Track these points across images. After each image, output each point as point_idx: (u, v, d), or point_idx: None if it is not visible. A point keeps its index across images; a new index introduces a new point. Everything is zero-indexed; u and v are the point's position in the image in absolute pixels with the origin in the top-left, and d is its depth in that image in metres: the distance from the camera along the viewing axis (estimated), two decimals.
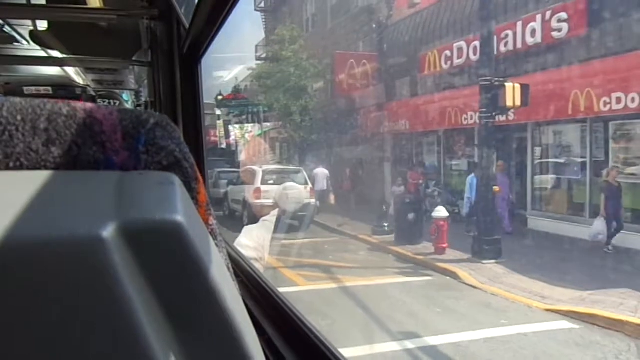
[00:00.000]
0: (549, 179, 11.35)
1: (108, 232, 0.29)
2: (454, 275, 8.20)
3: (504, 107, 8.45)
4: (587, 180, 10.25)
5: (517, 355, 5.17)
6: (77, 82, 4.96)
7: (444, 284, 7.94)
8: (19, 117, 0.34)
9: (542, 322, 6.10)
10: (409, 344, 5.41)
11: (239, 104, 26.30)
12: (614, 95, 8.86)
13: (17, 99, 0.35)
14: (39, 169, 0.34)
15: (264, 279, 1.40)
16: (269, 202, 10.72)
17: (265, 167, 14.56)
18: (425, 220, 10.64)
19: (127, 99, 6.93)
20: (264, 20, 27.15)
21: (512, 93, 8.40)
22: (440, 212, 9.59)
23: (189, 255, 0.32)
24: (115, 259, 0.29)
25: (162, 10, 2.14)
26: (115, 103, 5.89)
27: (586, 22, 9.77)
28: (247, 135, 25.84)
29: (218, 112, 29.01)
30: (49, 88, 4.49)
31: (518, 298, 6.93)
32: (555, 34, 10.37)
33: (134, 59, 3.39)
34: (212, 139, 28.01)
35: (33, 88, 4.34)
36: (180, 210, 0.32)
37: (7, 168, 0.34)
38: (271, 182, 13.15)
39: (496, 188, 9.30)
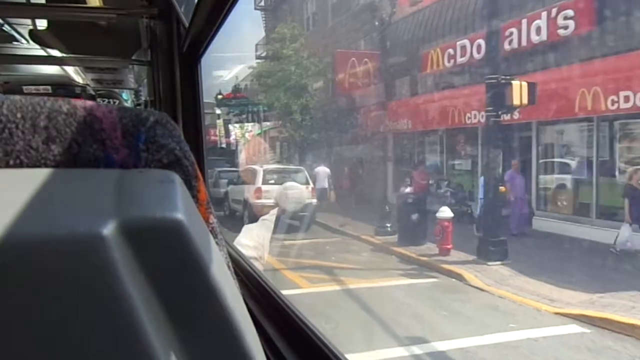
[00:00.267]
0: (553, 179, 11.20)
1: (108, 229, 0.29)
2: (459, 277, 8.03)
3: (511, 105, 8.29)
4: (593, 180, 10.09)
5: None
6: (76, 81, 4.91)
7: (450, 286, 7.77)
8: (18, 115, 0.34)
9: (552, 326, 5.94)
10: (416, 349, 5.25)
11: (239, 103, 26.15)
12: (622, 94, 8.70)
13: (17, 97, 0.35)
14: (39, 166, 0.34)
15: (263, 278, 1.38)
16: (270, 201, 10.57)
17: (266, 166, 14.41)
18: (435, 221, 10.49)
19: (127, 98, 6.87)
20: (264, 18, 26.99)
21: (519, 91, 8.24)
22: (445, 212, 9.42)
23: (189, 253, 0.32)
24: (116, 256, 0.29)
25: (161, 9, 2.12)
26: (114, 102, 5.82)
27: (593, 19, 9.60)
28: (247, 135, 25.71)
29: (218, 111, 28.88)
30: (49, 87, 4.44)
31: (526, 301, 6.77)
32: (561, 31, 10.20)
33: (133, 58, 3.38)
34: (212, 138, 27.84)
35: (32, 87, 4.31)
36: (181, 208, 0.32)
37: (7, 166, 0.34)
38: (272, 181, 13.01)
39: (502, 188, 9.13)
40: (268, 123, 24.70)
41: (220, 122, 29.17)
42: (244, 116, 26.88)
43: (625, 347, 5.34)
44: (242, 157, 21.82)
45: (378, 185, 13.99)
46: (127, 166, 0.36)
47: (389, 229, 11.30)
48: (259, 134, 24.99)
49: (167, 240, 0.31)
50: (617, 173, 9.79)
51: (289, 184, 12.45)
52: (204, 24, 1.54)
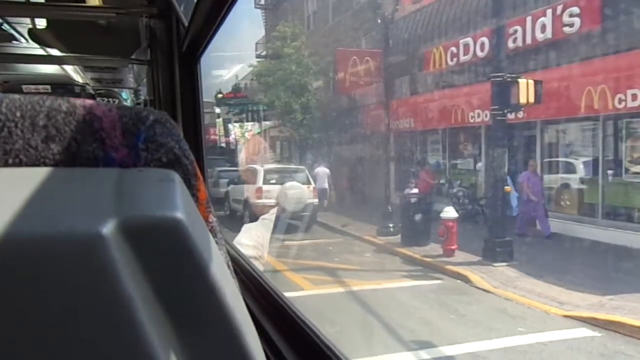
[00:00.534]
0: (558, 179, 11.06)
1: (108, 229, 0.29)
2: (464, 279, 7.90)
3: (517, 104, 8.14)
4: (599, 179, 9.96)
5: None
6: (76, 81, 4.86)
7: (455, 287, 7.64)
8: (18, 114, 0.34)
9: (562, 329, 5.81)
10: (424, 355, 5.12)
11: (239, 102, 26.04)
12: (630, 92, 8.56)
13: (16, 96, 0.35)
14: (38, 165, 0.34)
15: (263, 277, 1.38)
16: (271, 201, 10.44)
17: (267, 166, 14.30)
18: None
19: (127, 98, 6.82)
20: (264, 17, 26.83)
21: (525, 89, 8.09)
22: (449, 212, 9.28)
23: (189, 252, 0.31)
24: (115, 255, 0.29)
25: (161, 9, 2.11)
26: (114, 101, 5.78)
27: (600, 16, 9.47)
28: (246, 134, 25.59)
29: (217, 110, 28.76)
30: (48, 86, 4.42)
31: (534, 303, 6.63)
32: (566, 29, 10.06)
33: (133, 57, 3.34)
34: (212, 137, 27.73)
35: (32, 86, 4.29)
36: (180, 207, 0.32)
37: (6, 165, 0.34)
38: (273, 181, 12.91)
39: (508, 188, 8.99)
40: (268, 122, 24.59)
41: (219, 121, 29.07)
42: (243, 115, 26.77)
43: (638, 351, 5.21)
44: (242, 156, 21.70)
45: (380, 185, 13.85)
46: (127, 165, 0.36)
47: (391, 229, 11.17)
48: (258, 133, 24.86)
49: (167, 239, 0.31)
50: (623, 173, 9.66)
51: (289, 183, 12.52)
52: (204, 23, 1.52)
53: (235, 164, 20.23)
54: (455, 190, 12.43)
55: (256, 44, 27.65)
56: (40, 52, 3.44)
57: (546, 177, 11.22)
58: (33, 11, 2.58)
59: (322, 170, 15.78)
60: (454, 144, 14.45)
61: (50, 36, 2.92)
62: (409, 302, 6.91)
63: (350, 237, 11.69)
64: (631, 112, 8.79)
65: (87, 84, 4.95)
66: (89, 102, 0.37)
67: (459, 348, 5.25)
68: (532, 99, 8.19)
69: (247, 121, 26.48)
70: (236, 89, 26.97)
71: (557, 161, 11.10)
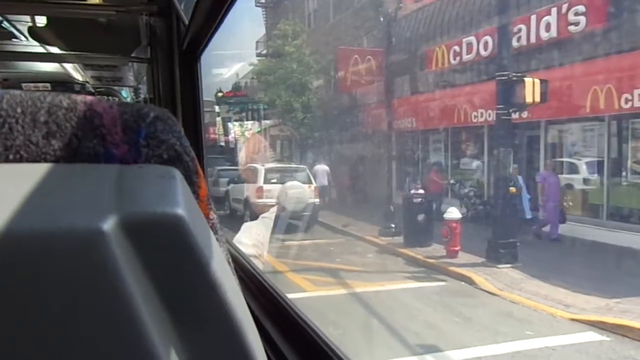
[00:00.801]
0: (562, 179, 10.92)
1: (108, 225, 0.29)
2: (468, 280, 7.78)
3: (523, 103, 8.02)
4: (605, 180, 9.85)
5: None
6: (75, 79, 4.87)
7: (459, 289, 7.52)
8: (18, 110, 0.34)
9: (569, 333, 5.69)
10: None
11: (239, 101, 25.92)
12: (636, 92, 8.45)
13: (17, 92, 0.35)
14: (39, 161, 0.34)
15: (263, 276, 1.37)
16: (272, 201, 10.30)
17: (267, 165, 14.19)
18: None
19: (126, 96, 6.78)
20: (264, 16, 26.69)
21: (531, 88, 7.97)
22: (453, 213, 9.17)
23: (189, 249, 0.31)
24: (116, 252, 0.29)
25: (161, 7, 2.10)
26: (114, 100, 5.59)
27: (606, 15, 9.35)
28: (246, 133, 25.48)
29: (217, 109, 28.66)
30: (48, 84, 4.43)
31: (540, 306, 6.52)
32: (572, 27, 9.95)
33: (133, 55, 3.34)
34: (211, 136, 27.63)
35: (31, 84, 4.29)
36: (181, 204, 0.32)
37: (7, 160, 0.34)
38: (274, 180, 12.80)
39: (512, 189, 8.87)
40: (268, 121, 24.47)
41: (219, 120, 28.96)
42: (243, 114, 26.66)
43: None
44: (241, 155, 21.56)
45: (381, 185, 13.74)
46: (128, 162, 0.36)
47: (393, 229, 11.05)
48: (258, 132, 24.75)
49: (168, 236, 0.31)
50: (629, 173, 9.55)
51: (290, 183, 12.39)
52: (204, 21, 1.50)
53: (235, 163, 20.10)
54: (466, 191, 12.25)
55: (256, 42, 27.54)
56: (40, 50, 3.44)
57: None
58: (33, 9, 2.57)
59: (322, 167, 15.86)
60: (456, 144, 14.35)
61: (50, 34, 2.92)
62: (413, 304, 6.80)
63: (352, 237, 11.58)
64: (638, 112, 8.68)
65: (86, 82, 4.96)
66: (89, 98, 0.37)
67: (466, 352, 5.13)
68: (538, 98, 8.08)
69: (247, 120, 26.38)
70: (236, 87, 26.87)
71: (562, 161, 10.98)
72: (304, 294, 7.14)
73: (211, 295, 0.32)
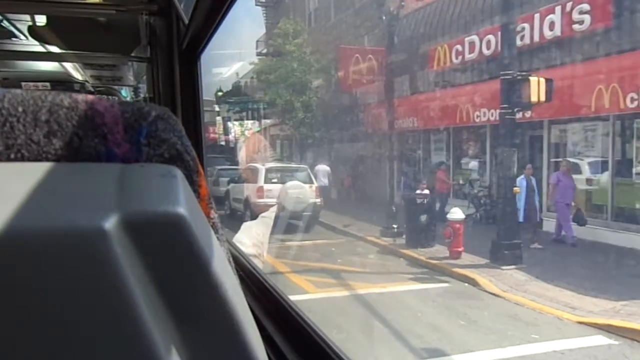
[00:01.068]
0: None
1: (110, 223, 0.29)
2: (472, 282, 7.67)
3: (528, 102, 7.91)
4: (609, 180, 9.74)
5: None
6: (75, 78, 4.88)
7: (463, 291, 7.42)
8: (20, 109, 0.34)
9: (577, 337, 5.59)
10: None
11: (239, 100, 25.83)
12: None
13: (19, 91, 0.35)
14: (40, 160, 0.34)
15: (263, 275, 1.37)
16: (273, 201, 10.18)
17: (268, 165, 14.09)
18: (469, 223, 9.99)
19: (126, 95, 6.77)
20: (264, 15, 26.57)
21: (536, 87, 7.86)
22: (456, 214, 9.07)
23: (190, 248, 0.31)
24: (117, 250, 0.29)
25: (161, 6, 2.10)
26: (114, 99, 5.55)
27: (611, 13, 9.24)
28: (247, 132, 25.40)
29: (217, 108, 28.57)
30: (47, 84, 4.42)
31: (546, 309, 6.41)
32: (576, 26, 9.84)
33: (132, 54, 3.32)
34: (211, 135, 27.50)
35: (31, 84, 4.29)
36: (182, 203, 0.32)
37: (8, 159, 0.34)
38: (275, 180, 12.70)
39: (516, 189, 8.75)
40: (268, 121, 24.37)
41: (219, 119, 28.86)
42: (243, 114, 26.57)
43: None
44: (242, 155, 21.45)
45: (382, 185, 13.64)
46: (129, 160, 0.36)
47: (395, 230, 10.94)
48: (258, 132, 24.66)
49: (169, 235, 0.31)
50: (633, 174, 9.45)
51: (291, 183, 12.27)
52: (204, 21, 1.50)
53: (235, 163, 19.98)
54: (475, 191, 12.09)
55: (257, 41, 27.44)
56: (40, 49, 3.44)
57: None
58: (33, 8, 2.57)
59: (323, 167, 15.86)
60: (458, 143, 14.24)
61: (50, 33, 2.91)
62: (416, 306, 6.69)
63: (353, 237, 11.47)
64: None
65: (86, 81, 4.94)
66: (91, 97, 0.37)
67: (473, 357, 5.03)
68: (543, 98, 7.97)
69: (247, 119, 26.29)
70: (237, 87, 26.77)
71: (566, 161, 10.86)
72: (305, 295, 7.04)
73: (212, 294, 0.32)
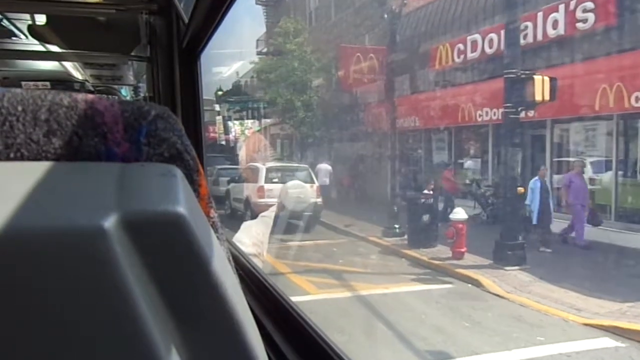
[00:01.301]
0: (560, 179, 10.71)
1: (109, 223, 0.29)
2: (476, 283, 7.59)
3: (533, 101, 7.82)
4: (613, 180, 9.66)
5: None
6: (75, 78, 4.87)
7: (467, 292, 7.33)
8: (19, 108, 0.34)
9: (583, 339, 5.51)
10: None
11: (239, 99, 25.75)
12: None
13: (18, 90, 0.35)
14: (40, 159, 0.34)
15: (263, 274, 1.36)
16: (273, 200, 10.15)
17: (269, 164, 14.01)
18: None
19: (126, 94, 6.79)
20: (265, 13, 26.50)
21: (541, 86, 7.77)
22: (459, 214, 8.98)
23: (190, 247, 0.31)
24: (117, 249, 0.29)
25: (161, 5, 2.10)
26: (113, 98, 5.55)
27: (615, 12, 9.16)
28: (247, 132, 25.33)
29: (217, 107, 28.51)
30: (47, 83, 4.42)
31: (551, 310, 6.33)
32: (580, 25, 9.75)
33: (132, 54, 3.32)
34: (211, 135, 27.42)
35: (31, 83, 4.29)
36: (182, 202, 0.32)
37: (8, 159, 0.34)
38: (276, 180, 12.61)
39: (521, 189, 8.66)
40: (268, 120, 24.29)
41: (219, 118, 28.80)
42: (244, 113, 26.49)
43: None
44: (242, 154, 21.36)
45: (383, 184, 13.56)
46: (129, 160, 0.36)
47: (397, 230, 10.86)
48: (258, 131, 24.59)
49: (169, 234, 0.31)
50: (638, 173, 9.37)
51: (292, 182, 12.10)
52: (204, 20, 1.50)
53: (235, 162, 19.89)
54: (482, 191, 11.98)
55: (257, 40, 27.37)
56: (40, 48, 3.43)
57: (555, 177, 10.92)
58: (33, 7, 2.58)
59: (324, 167, 15.85)
60: (460, 143, 14.16)
61: (50, 32, 2.90)
62: (420, 307, 6.61)
63: (355, 237, 11.39)
64: None
65: (86, 80, 4.92)
66: (90, 96, 0.37)
67: None
68: (547, 97, 7.88)
69: (248, 119, 26.22)
70: (236, 86, 26.69)
71: (568, 161, 10.78)
72: (307, 297, 6.96)
73: (212, 293, 0.32)
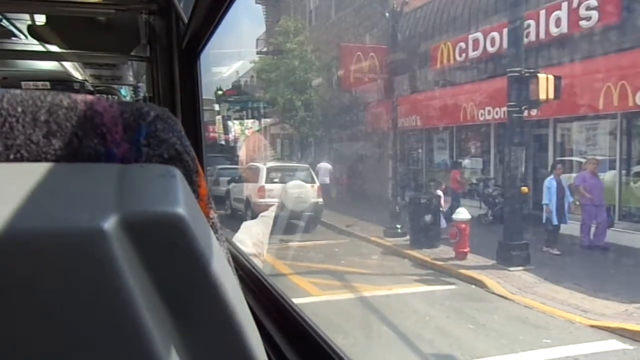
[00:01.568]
0: (572, 178, 10.62)
1: (109, 224, 0.29)
2: (480, 284, 7.51)
3: (537, 100, 7.73)
4: (617, 180, 9.58)
5: None
6: (75, 77, 4.85)
7: (470, 293, 7.26)
8: (19, 109, 0.34)
9: (590, 341, 5.43)
10: None
11: (239, 99, 25.65)
12: None
13: (18, 91, 0.35)
14: (40, 161, 0.34)
15: (262, 274, 1.36)
16: (274, 200, 10.02)
17: (269, 164, 13.92)
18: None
19: (126, 94, 6.79)
20: (265, 13, 26.41)
21: (545, 85, 7.69)
22: (462, 214, 8.91)
23: (190, 248, 0.31)
24: (116, 250, 0.29)
25: (160, 5, 2.10)
26: (113, 98, 5.52)
27: (619, 9, 9.07)
28: (247, 131, 25.25)
29: (217, 107, 28.43)
30: (47, 83, 4.43)
31: (557, 312, 6.25)
32: (583, 23, 9.66)
33: (132, 54, 3.32)
34: (211, 134, 27.36)
35: (31, 83, 4.29)
36: (182, 203, 0.32)
37: (8, 160, 0.34)
38: (276, 180, 12.54)
39: (525, 189, 8.56)
40: (269, 120, 24.21)
41: (219, 118, 28.72)
42: (243, 113, 26.41)
43: None
44: (242, 154, 21.28)
45: (384, 184, 13.46)
46: (128, 161, 0.36)
47: (399, 230, 10.78)
48: (258, 131, 24.52)
49: (168, 235, 0.31)
50: None
51: (293, 182, 12.10)
52: (204, 20, 1.50)
53: (235, 162, 19.81)
54: (490, 190, 11.87)
55: (257, 40, 27.31)
56: (40, 48, 3.41)
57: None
58: (32, 7, 2.58)
59: (324, 165, 15.88)
60: (461, 142, 14.08)
61: (50, 32, 2.89)
62: (424, 309, 6.53)
63: (356, 238, 11.31)
64: None
65: (86, 80, 4.91)
66: (90, 97, 0.36)
67: None
68: (552, 95, 7.79)
69: (248, 118, 26.13)
70: (237, 86, 26.60)
71: (571, 160, 10.71)
72: (310, 298, 6.87)
73: (211, 294, 0.32)
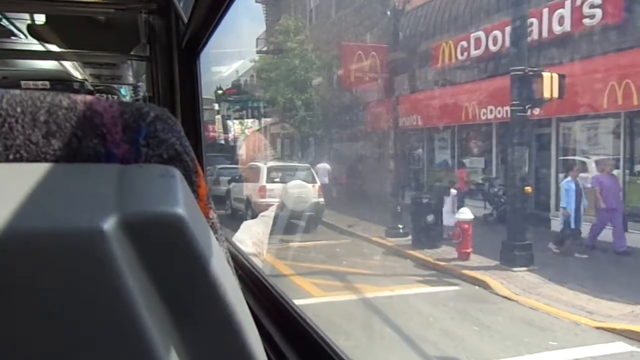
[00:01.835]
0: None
1: (109, 224, 0.29)
2: (483, 285, 7.43)
3: (541, 98, 7.65)
4: (620, 179, 9.50)
5: None
6: (74, 77, 4.83)
7: (474, 294, 7.18)
8: (18, 109, 0.34)
9: (596, 343, 5.35)
10: None
11: (239, 98, 25.56)
12: None
13: (17, 91, 0.35)
14: (39, 161, 0.34)
15: (262, 274, 1.35)
16: (275, 200, 9.93)
17: (270, 163, 13.85)
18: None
19: (125, 94, 6.77)
20: (265, 12, 26.33)
21: (549, 83, 7.61)
22: (465, 214, 8.83)
23: (189, 248, 0.31)
24: (116, 251, 0.29)
25: (160, 5, 2.11)
26: (113, 98, 5.76)
27: (622, 8, 9.00)
28: (247, 131, 25.17)
29: (217, 107, 28.34)
30: (47, 82, 4.39)
31: (562, 313, 6.17)
32: (586, 21, 9.59)
33: (132, 53, 3.31)
34: (211, 134, 27.28)
35: (30, 82, 4.26)
36: (181, 203, 0.32)
37: (7, 160, 0.34)
38: (277, 179, 12.47)
39: (528, 189, 8.47)
40: (269, 119, 24.13)
41: (219, 117, 28.64)
42: (243, 112, 26.33)
43: None
44: (242, 153, 21.20)
45: (385, 184, 13.38)
46: (128, 161, 0.36)
47: (401, 230, 10.71)
48: (258, 130, 24.45)
49: (168, 235, 0.30)
50: None
51: (294, 182, 12.04)
52: (203, 19, 1.50)
53: (235, 161, 19.74)
54: (496, 190, 11.77)
55: (257, 39, 27.23)
56: (39, 47, 3.41)
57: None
58: (32, 6, 2.59)
59: (323, 166, 15.94)
60: (462, 142, 14.01)
61: (49, 32, 2.90)
62: (427, 310, 6.45)
63: (358, 238, 11.22)
64: None
65: (85, 80, 4.88)
66: (89, 98, 0.36)
67: None
68: (556, 94, 7.71)
69: (248, 118, 26.05)
70: (237, 85, 26.52)
71: (574, 160, 10.63)
72: (311, 299, 6.80)
73: (211, 293, 0.32)
